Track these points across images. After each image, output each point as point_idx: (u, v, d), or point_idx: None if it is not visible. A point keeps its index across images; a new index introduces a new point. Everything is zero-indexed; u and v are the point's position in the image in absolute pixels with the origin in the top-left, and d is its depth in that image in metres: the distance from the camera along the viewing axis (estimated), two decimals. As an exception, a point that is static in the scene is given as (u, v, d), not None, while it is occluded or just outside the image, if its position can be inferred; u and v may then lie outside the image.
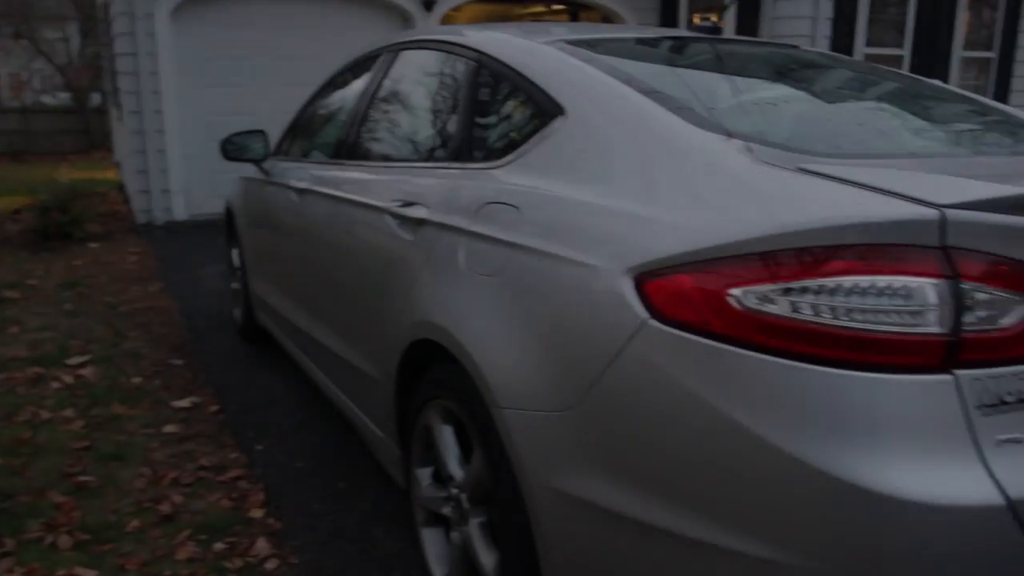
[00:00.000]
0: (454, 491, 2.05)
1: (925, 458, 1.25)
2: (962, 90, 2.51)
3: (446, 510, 2.11)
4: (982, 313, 1.29)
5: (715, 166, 1.53)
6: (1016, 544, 1.25)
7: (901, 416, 1.26)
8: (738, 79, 2.20)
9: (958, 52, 9.79)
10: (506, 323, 1.76)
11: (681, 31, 2.68)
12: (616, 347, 1.49)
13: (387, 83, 2.89)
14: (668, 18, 9.38)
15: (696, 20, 8.16)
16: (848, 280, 1.29)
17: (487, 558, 1.93)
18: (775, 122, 1.86)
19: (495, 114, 2.20)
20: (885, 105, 2.27)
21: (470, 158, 2.18)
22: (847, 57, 2.79)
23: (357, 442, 3.09)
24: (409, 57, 2.83)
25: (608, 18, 9.59)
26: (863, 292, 1.28)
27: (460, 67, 2.40)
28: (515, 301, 1.76)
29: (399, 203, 2.31)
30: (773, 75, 2.35)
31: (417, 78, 2.78)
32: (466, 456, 2.02)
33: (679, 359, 1.40)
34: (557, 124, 1.88)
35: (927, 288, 1.27)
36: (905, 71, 9.03)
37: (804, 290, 1.31)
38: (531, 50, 2.16)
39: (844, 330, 1.28)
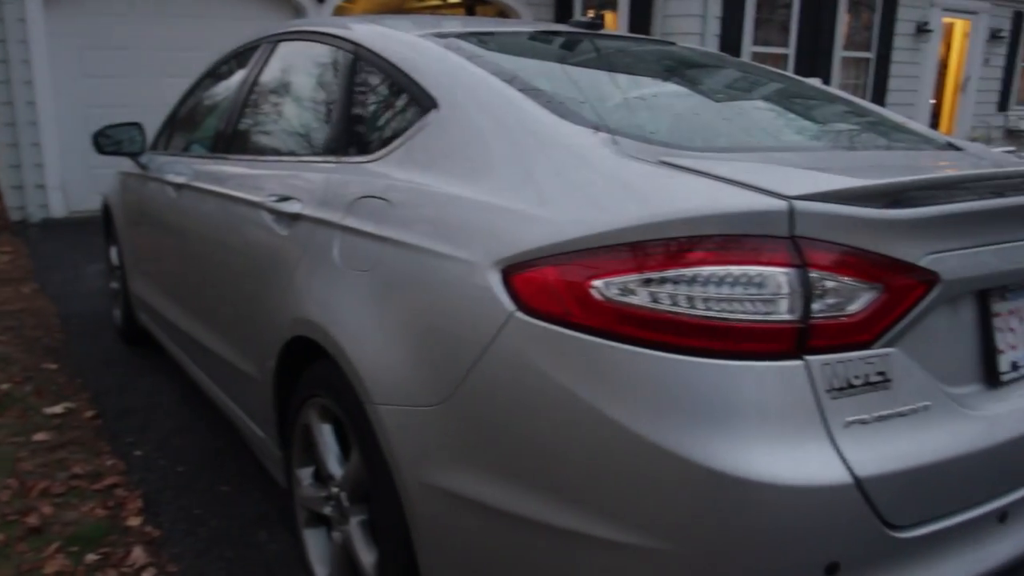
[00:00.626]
0: (334, 490, 2.01)
1: (779, 441, 1.29)
2: (836, 90, 2.61)
3: (327, 510, 2.08)
4: (830, 300, 1.34)
5: (580, 159, 1.55)
6: (864, 518, 1.32)
7: (756, 401, 1.30)
8: (614, 74, 2.23)
9: (839, 52, 10.24)
10: (380, 319, 1.74)
11: (562, 26, 2.70)
12: (485, 340, 1.49)
13: (265, 75, 2.81)
14: (563, 14, 9.47)
15: (590, 14, 8.25)
16: (704, 270, 1.32)
17: (367, 556, 1.90)
18: (644, 117, 1.89)
19: (371, 107, 2.17)
20: (755, 102, 2.34)
21: (345, 152, 2.15)
22: (725, 55, 2.87)
23: (241, 444, 3.01)
24: (288, 48, 2.76)
25: (504, 13, 9.61)
26: (718, 282, 1.32)
27: (337, 59, 2.36)
28: (388, 296, 1.74)
29: (275, 198, 2.25)
30: (648, 71, 2.38)
31: (295, 70, 2.71)
32: (345, 454, 1.99)
33: (545, 350, 1.41)
34: (430, 118, 1.87)
35: (778, 277, 1.32)
36: (790, 69, 9.39)
37: (663, 280, 1.33)
38: (407, 43, 2.14)
39: (701, 319, 1.31)
